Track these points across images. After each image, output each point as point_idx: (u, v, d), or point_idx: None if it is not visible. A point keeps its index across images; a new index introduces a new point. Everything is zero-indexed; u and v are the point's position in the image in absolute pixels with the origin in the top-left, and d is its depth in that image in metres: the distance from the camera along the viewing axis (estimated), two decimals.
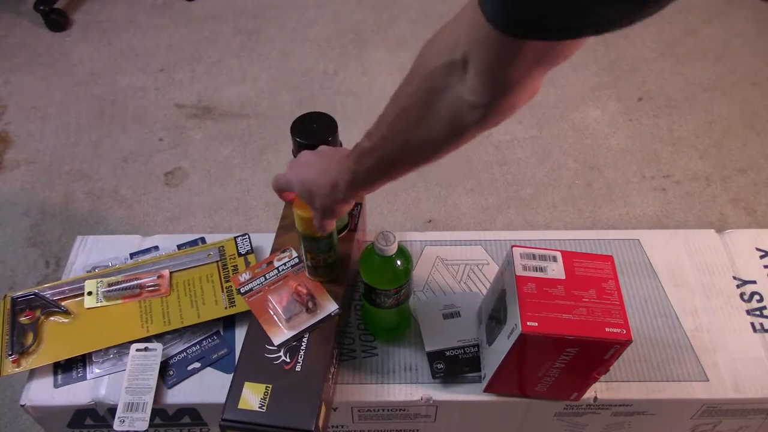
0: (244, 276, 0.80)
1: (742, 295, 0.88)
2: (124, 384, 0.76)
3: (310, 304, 0.76)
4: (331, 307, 0.77)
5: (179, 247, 0.92)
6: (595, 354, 0.67)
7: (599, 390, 0.78)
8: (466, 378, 0.79)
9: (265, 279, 0.80)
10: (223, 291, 0.84)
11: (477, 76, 0.50)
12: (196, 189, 1.67)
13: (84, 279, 0.85)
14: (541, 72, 0.50)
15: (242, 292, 0.79)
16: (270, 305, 0.77)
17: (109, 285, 0.84)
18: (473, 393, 0.78)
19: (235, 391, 0.69)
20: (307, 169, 0.68)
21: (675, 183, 1.69)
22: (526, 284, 0.68)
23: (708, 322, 0.85)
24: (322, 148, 0.71)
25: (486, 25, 0.45)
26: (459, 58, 0.51)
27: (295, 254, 0.82)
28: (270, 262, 0.81)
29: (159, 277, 0.85)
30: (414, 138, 0.58)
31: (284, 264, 0.81)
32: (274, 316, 0.76)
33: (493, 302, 0.76)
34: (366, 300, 0.79)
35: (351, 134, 2.02)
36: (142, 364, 0.77)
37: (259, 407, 0.68)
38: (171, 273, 0.86)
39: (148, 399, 0.75)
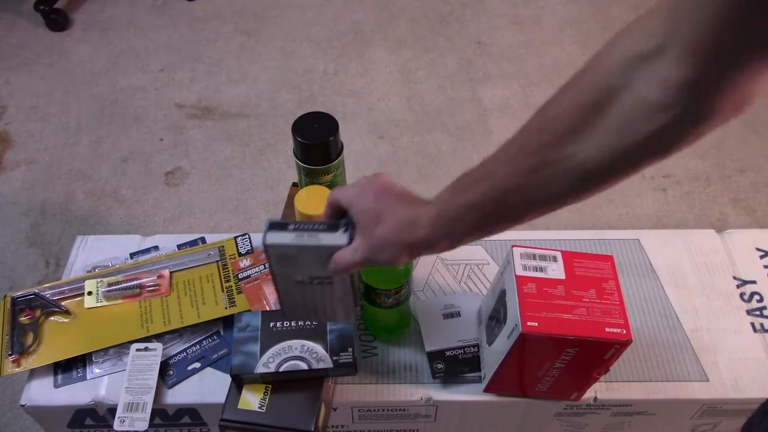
0: (245, 262, 0.81)
1: (742, 295, 0.88)
2: (124, 384, 0.76)
3: None
4: None
5: (179, 247, 0.92)
6: (595, 354, 0.67)
7: (599, 390, 0.78)
8: (466, 378, 0.79)
9: (265, 267, 0.80)
10: (223, 291, 0.84)
11: (679, 57, 0.38)
12: (196, 189, 1.67)
13: (84, 279, 0.85)
14: None
15: (240, 278, 0.80)
16: (263, 294, 0.77)
17: (109, 285, 0.84)
18: (473, 393, 0.78)
19: (234, 391, 0.69)
20: (388, 191, 0.55)
21: (675, 183, 1.69)
22: (526, 284, 0.68)
23: (708, 322, 0.85)
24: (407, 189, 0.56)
25: None
26: (653, 46, 0.40)
27: None
28: None
29: (159, 277, 0.85)
30: (553, 157, 0.45)
31: None
32: (266, 306, 0.76)
33: (493, 302, 0.76)
34: (366, 300, 0.79)
35: (351, 134, 2.03)
36: (142, 364, 0.77)
37: (259, 407, 0.68)
38: (171, 273, 0.86)
39: (148, 399, 0.75)
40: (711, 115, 0.41)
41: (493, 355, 0.73)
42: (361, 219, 0.54)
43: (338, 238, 0.55)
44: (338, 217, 0.58)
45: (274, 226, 0.57)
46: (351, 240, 0.55)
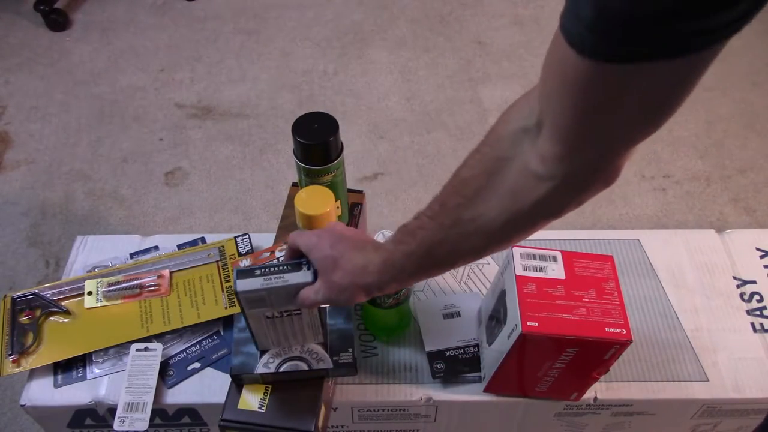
0: (245, 263, 0.81)
1: (742, 295, 0.88)
2: (124, 384, 0.76)
3: None
4: None
5: (179, 247, 0.92)
6: (595, 354, 0.67)
7: (599, 390, 0.78)
8: (466, 378, 0.79)
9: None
10: (223, 291, 0.84)
11: (549, 137, 0.44)
12: (196, 189, 1.67)
13: (84, 279, 0.85)
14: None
15: None
16: None
17: (109, 285, 0.84)
18: (473, 393, 0.78)
19: (234, 391, 0.69)
20: (342, 239, 0.60)
21: (675, 183, 1.69)
22: (526, 284, 0.68)
23: (708, 322, 0.85)
24: (360, 231, 0.64)
25: (568, 57, 0.38)
26: (533, 123, 0.46)
27: None
28: (272, 252, 0.82)
29: (159, 277, 0.85)
30: (466, 216, 0.51)
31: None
32: None
33: (493, 302, 0.76)
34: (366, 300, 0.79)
35: (351, 134, 2.03)
36: (142, 364, 0.77)
37: (259, 407, 0.68)
38: (171, 273, 0.86)
39: (148, 399, 0.75)
40: (585, 187, 0.47)
41: (493, 355, 0.73)
42: (320, 265, 0.60)
43: (303, 276, 0.61)
44: (298, 257, 0.63)
45: (242, 273, 0.61)
46: (315, 276, 0.61)
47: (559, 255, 0.71)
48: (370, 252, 0.58)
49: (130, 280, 0.84)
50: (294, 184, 0.90)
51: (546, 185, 0.46)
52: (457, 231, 0.52)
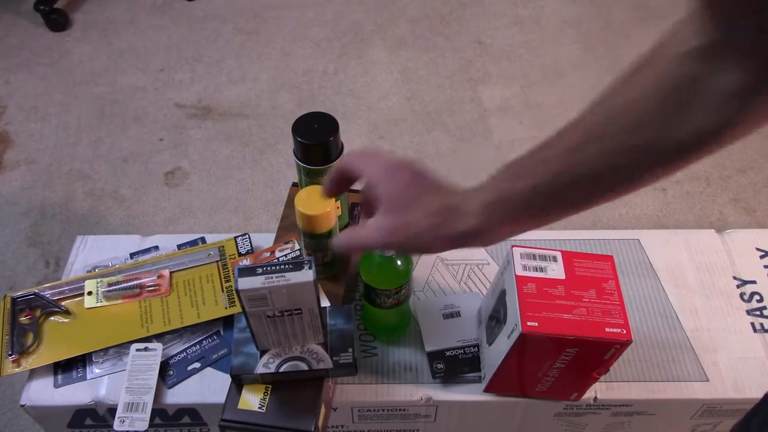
0: (245, 263, 0.81)
1: (742, 295, 0.88)
2: (124, 384, 0.76)
3: None
4: (323, 303, 0.77)
5: (179, 247, 0.92)
6: (595, 354, 0.67)
7: (599, 390, 0.78)
8: (466, 378, 0.79)
9: None
10: (223, 291, 0.84)
11: (743, 52, 0.39)
12: (196, 189, 1.67)
13: (84, 279, 0.85)
14: None
15: None
16: None
17: (109, 285, 0.84)
18: (473, 393, 0.78)
19: (234, 391, 0.69)
20: (426, 175, 0.53)
21: (675, 183, 1.69)
22: (526, 284, 0.68)
23: (708, 322, 0.85)
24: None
25: None
26: (709, 42, 0.41)
27: (297, 246, 0.82)
28: (272, 252, 0.82)
29: (159, 277, 0.85)
30: (638, 141, 0.45)
31: (285, 255, 0.81)
32: None
33: (493, 302, 0.76)
34: (366, 300, 0.79)
35: (351, 134, 2.03)
36: (142, 364, 0.78)
37: (259, 407, 0.68)
38: (171, 273, 0.86)
39: (148, 399, 0.75)
40: None
41: (493, 355, 0.73)
42: (392, 199, 0.51)
43: (305, 275, 0.61)
44: (344, 183, 0.60)
45: (243, 272, 0.61)
46: (316, 275, 0.60)
47: (559, 255, 0.71)
48: (462, 193, 0.50)
49: (130, 280, 0.84)
50: (294, 184, 0.90)
51: (736, 103, 0.42)
52: (634, 155, 0.46)
